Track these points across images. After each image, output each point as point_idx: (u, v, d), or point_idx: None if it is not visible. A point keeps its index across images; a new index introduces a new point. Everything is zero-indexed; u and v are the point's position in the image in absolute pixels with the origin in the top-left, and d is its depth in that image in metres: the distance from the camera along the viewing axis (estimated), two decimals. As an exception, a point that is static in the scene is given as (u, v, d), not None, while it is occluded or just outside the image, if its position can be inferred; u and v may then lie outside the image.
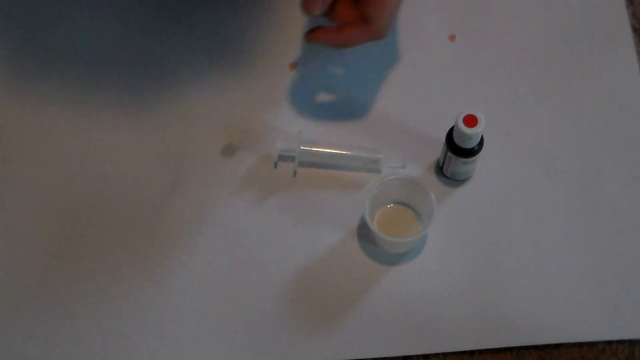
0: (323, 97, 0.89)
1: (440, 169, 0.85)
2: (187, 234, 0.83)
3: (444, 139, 0.80)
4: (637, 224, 0.82)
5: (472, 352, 0.78)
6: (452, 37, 0.92)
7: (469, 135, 0.76)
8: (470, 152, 0.79)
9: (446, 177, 0.84)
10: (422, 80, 0.89)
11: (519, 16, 0.93)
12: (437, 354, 0.78)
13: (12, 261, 0.82)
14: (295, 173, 0.85)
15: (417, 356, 0.78)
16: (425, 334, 0.78)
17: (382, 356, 0.78)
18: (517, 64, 0.90)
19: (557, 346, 0.78)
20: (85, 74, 0.91)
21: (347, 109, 0.88)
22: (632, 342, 0.78)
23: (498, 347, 0.78)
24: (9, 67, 0.91)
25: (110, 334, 0.79)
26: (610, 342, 0.78)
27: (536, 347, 0.78)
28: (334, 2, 0.77)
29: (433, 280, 0.80)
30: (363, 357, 0.78)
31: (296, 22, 0.93)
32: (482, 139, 0.79)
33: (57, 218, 0.83)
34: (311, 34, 0.79)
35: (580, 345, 0.78)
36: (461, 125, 0.75)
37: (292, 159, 0.85)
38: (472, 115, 0.75)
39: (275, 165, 0.86)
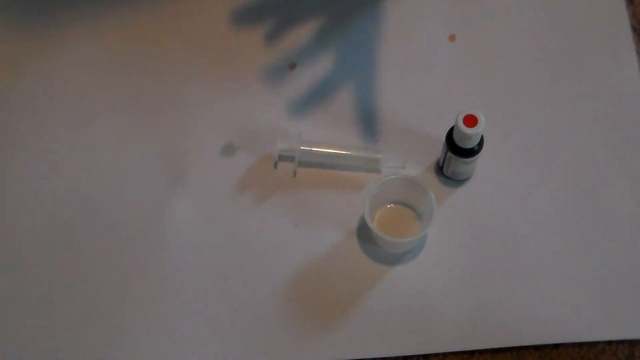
0: (323, 97, 0.89)
1: (440, 169, 0.85)
2: (187, 234, 0.83)
3: (444, 139, 0.80)
4: (637, 224, 0.82)
5: (472, 352, 0.78)
6: (452, 37, 0.92)
7: (469, 135, 0.76)
8: (470, 152, 0.79)
9: (446, 177, 0.84)
10: (422, 80, 0.89)
11: (518, 16, 0.93)
12: (437, 354, 0.78)
13: (12, 260, 0.82)
14: (295, 173, 0.85)
15: (417, 356, 0.78)
16: (425, 334, 0.78)
17: (382, 356, 0.78)
18: (517, 64, 0.90)
19: (557, 346, 0.78)
20: (85, 74, 0.91)
21: (347, 109, 0.88)
22: (632, 342, 0.78)
23: (498, 347, 0.78)
24: (8, 65, 0.91)
25: (109, 334, 0.79)
26: (610, 342, 0.78)
27: (536, 347, 0.78)
28: None
29: (433, 280, 0.80)
30: (363, 357, 0.78)
31: (296, 22, 0.93)
32: (482, 139, 0.79)
33: (57, 218, 0.83)
34: None
35: (580, 345, 0.78)
36: (461, 125, 0.75)
37: (292, 159, 0.85)
38: (472, 115, 0.75)
39: (275, 165, 0.86)
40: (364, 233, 0.82)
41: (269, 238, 0.82)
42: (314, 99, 0.89)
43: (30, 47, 0.92)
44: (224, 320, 0.79)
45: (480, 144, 0.79)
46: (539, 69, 0.90)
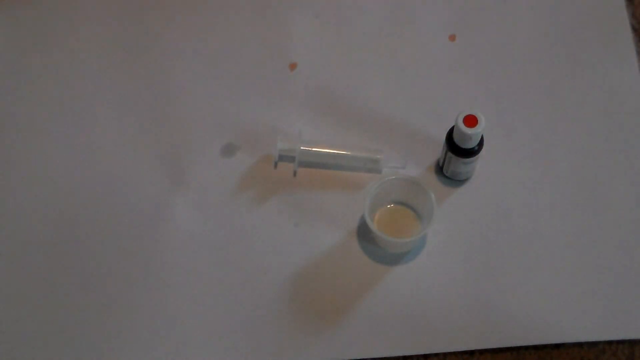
0: (323, 97, 0.89)
1: (440, 169, 0.85)
2: (187, 233, 0.83)
3: (444, 139, 0.80)
4: (637, 224, 0.82)
5: (472, 352, 0.78)
6: (452, 37, 0.92)
7: (469, 135, 0.76)
8: (470, 152, 0.79)
9: (446, 177, 0.84)
10: (422, 80, 0.89)
11: (518, 16, 0.93)
12: (437, 354, 0.78)
13: (13, 262, 0.82)
14: (295, 173, 0.85)
15: (417, 356, 0.78)
16: (425, 334, 0.78)
17: (382, 356, 0.78)
18: (517, 64, 0.90)
19: (557, 346, 0.78)
20: (85, 74, 0.91)
21: (347, 109, 0.88)
22: (632, 342, 0.78)
23: (498, 347, 0.78)
24: (9, 69, 0.91)
25: (109, 334, 0.79)
26: (610, 342, 0.78)
27: (536, 347, 0.78)
28: None
29: (433, 280, 0.80)
30: (363, 357, 0.78)
31: (296, 22, 0.93)
32: (482, 139, 0.79)
33: (57, 218, 0.83)
34: None
35: (580, 345, 0.78)
36: (461, 125, 0.75)
37: (292, 159, 0.85)
38: (472, 115, 0.75)
39: (275, 165, 0.86)
40: (364, 233, 0.82)
41: (269, 238, 0.82)
42: (314, 99, 0.89)
43: (31, 47, 0.92)
44: (224, 320, 0.79)
45: (480, 144, 0.79)
46: (539, 68, 0.90)
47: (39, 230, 0.83)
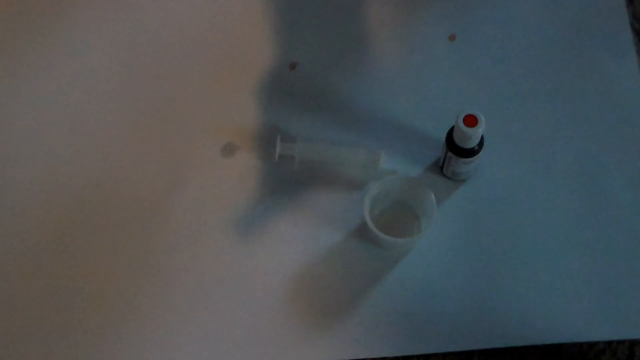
0: (323, 97, 0.89)
1: (440, 169, 0.85)
2: (186, 234, 0.83)
3: (444, 139, 0.80)
4: (637, 224, 0.82)
5: (472, 352, 0.78)
6: (452, 37, 0.92)
7: (469, 135, 0.76)
8: (470, 152, 0.79)
9: (446, 177, 0.84)
10: (422, 80, 0.89)
11: (519, 16, 0.93)
12: (437, 354, 0.78)
13: (10, 261, 0.82)
14: (295, 173, 0.85)
15: (417, 356, 0.78)
16: (425, 334, 0.78)
17: (382, 356, 0.78)
18: (517, 64, 0.90)
19: (557, 346, 0.78)
20: (85, 73, 0.91)
21: (347, 109, 0.88)
22: (632, 342, 0.78)
23: (498, 347, 0.78)
24: (7, 64, 0.91)
25: (109, 334, 0.79)
26: (610, 342, 0.78)
27: (536, 347, 0.78)
28: None
29: (433, 280, 0.80)
30: (363, 357, 0.78)
31: (296, 22, 0.93)
32: (482, 139, 0.79)
33: (56, 218, 0.83)
34: None
35: (580, 345, 0.78)
36: (461, 125, 0.75)
37: (292, 158, 0.85)
38: (472, 115, 0.75)
39: (276, 165, 0.86)
40: (364, 233, 0.82)
41: (269, 238, 0.82)
42: (314, 99, 0.89)
43: (32, 46, 0.92)
44: (223, 321, 0.79)
45: (480, 144, 0.79)
46: (539, 68, 0.90)
47: (37, 230, 0.83)
